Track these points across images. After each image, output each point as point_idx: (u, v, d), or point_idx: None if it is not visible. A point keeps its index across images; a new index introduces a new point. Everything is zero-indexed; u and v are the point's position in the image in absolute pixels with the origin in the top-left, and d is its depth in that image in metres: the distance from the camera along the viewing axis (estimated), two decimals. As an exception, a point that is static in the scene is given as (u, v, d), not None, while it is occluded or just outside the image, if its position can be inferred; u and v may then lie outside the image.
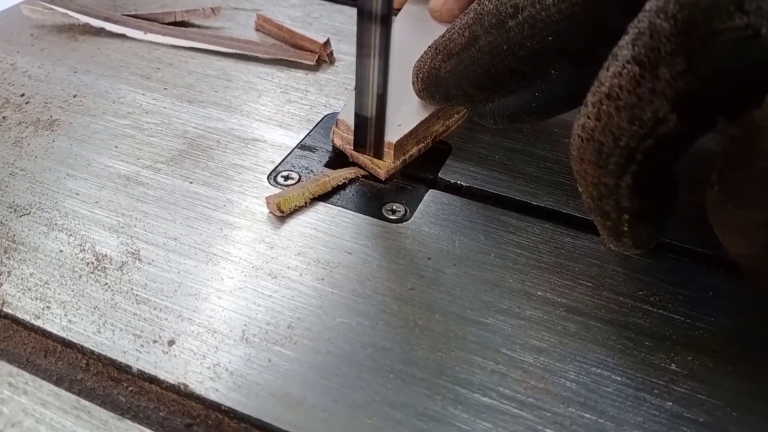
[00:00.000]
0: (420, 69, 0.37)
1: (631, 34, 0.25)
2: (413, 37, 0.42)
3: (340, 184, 0.38)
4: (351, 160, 0.40)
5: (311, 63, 0.49)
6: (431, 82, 0.36)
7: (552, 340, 0.31)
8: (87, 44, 0.50)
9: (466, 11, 0.35)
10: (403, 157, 0.39)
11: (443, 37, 0.36)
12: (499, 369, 0.29)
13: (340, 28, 0.54)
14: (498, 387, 0.29)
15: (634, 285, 0.33)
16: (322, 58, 0.50)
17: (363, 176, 0.39)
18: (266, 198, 0.36)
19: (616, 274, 0.34)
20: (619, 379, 0.29)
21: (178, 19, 0.53)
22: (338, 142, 0.40)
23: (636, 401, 0.28)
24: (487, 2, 0.33)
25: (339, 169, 0.39)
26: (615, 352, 0.30)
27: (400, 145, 0.38)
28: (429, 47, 0.37)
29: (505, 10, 0.32)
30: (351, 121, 0.38)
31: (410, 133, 0.38)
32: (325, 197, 0.37)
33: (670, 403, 0.28)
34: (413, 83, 0.38)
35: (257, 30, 0.53)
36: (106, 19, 0.52)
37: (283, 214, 0.35)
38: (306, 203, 0.36)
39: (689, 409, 0.28)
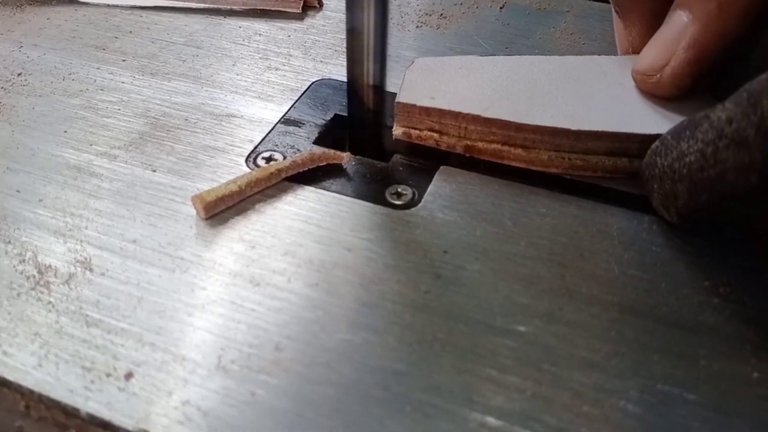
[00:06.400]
0: (667, 202, 0.28)
1: None
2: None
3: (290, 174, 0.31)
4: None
5: (297, 10, 0.43)
6: (692, 218, 0.28)
7: (605, 351, 0.25)
8: (35, 15, 0.44)
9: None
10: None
11: (701, 169, 0.25)
12: (542, 392, 0.23)
13: (326, -18, 0.47)
14: (543, 416, 0.23)
15: (698, 274, 0.27)
16: (310, 2, 0.43)
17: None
18: (192, 197, 0.29)
19: (675, 261, 0.28)
20: (692, 397, 0.23)
21: (140, -20, 0.46)
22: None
23: (717, 426, 0.23)
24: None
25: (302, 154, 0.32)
26: (684, 362, 0.24)
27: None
28: (667, 166, 0.27)
29: None
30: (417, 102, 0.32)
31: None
32: (315, 181, 0.31)
33: (760, 425, 0.23)
34: (662, 212, 0.29)
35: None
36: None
37: (207, 213, 0.29)
38: (236, 198, 0.30)
39: (787, 434, 0.22)
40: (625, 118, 0.31)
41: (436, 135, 0.32)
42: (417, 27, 0.43)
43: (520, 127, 0.31)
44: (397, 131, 0.32)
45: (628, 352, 0.25)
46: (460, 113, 0.31)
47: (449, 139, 0.32)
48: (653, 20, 0.32)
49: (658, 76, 0.30)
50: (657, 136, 0.29)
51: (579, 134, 0.30)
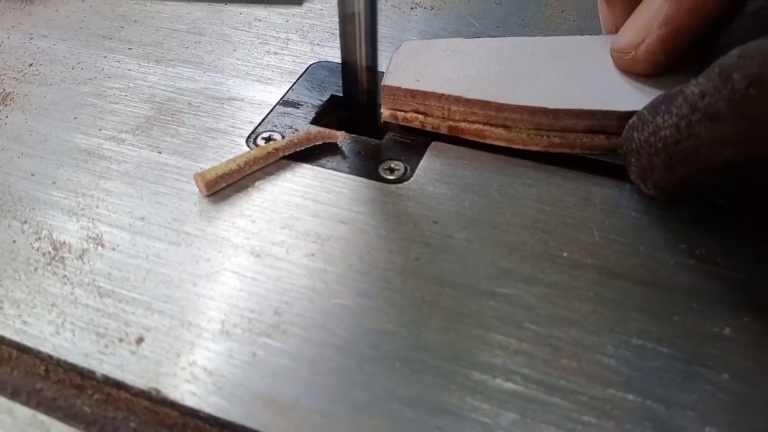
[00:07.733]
0: (644, 175, 0.28)
1: None
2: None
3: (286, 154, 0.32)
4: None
5: None
6: (670, 190, 0.28)
7: (584, 310, 0.26)
8: (44, 7, 0.45)
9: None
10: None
11: (676, 143, 0.26)
12: (523, 348, 0.25)
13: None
14: (523, 369, 0.24)
15: (675, 238, 0.29)
16: None
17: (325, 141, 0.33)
18: (194, 175, 0.31)
19: (654, 227, 0.29)
20: (665, 350, 0.25)
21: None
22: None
23: (688, 377, 0.24)
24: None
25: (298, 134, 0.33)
26: (659, 319, 0.26)
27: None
28: (643, 140, 0.28)
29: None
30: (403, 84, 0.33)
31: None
32: (312, 159, 0.33)
33: (728, 376, 0.24)
34: (640, 185, 0.29)
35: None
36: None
37: (209, 190, 0.31)
38: (236, 175, 0.31)
39: (750, 384, 0.24)
40: (604, 95, 0.32)
41: (421, 116, 0.33)
42: (411, 8, 0.44)
43: (500, 107, 0.32)
44: (385, 113, 0.34)
45: (606, 311, 0.26)
46: (443, 95, 0.32)
47: (433, 120, 0.33)
48: (635, 0, 0.33)
49: (633, 53, 0.32)
50: (634, 113, 0.29)
51: (557, 112, 0.31)
